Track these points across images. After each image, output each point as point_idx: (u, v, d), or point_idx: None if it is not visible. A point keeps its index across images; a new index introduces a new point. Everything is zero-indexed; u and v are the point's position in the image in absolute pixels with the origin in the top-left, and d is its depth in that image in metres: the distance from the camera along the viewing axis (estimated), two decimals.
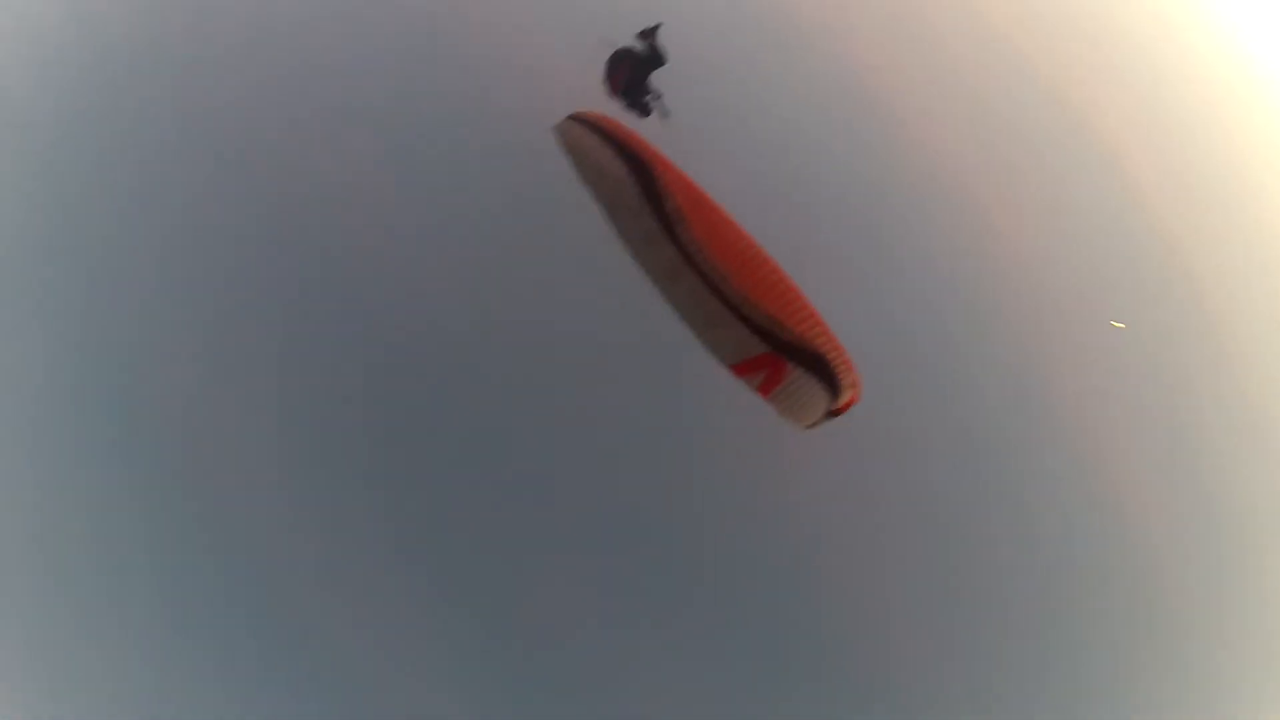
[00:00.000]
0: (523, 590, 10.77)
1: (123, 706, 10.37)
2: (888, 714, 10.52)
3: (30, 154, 11.33)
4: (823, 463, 10.01)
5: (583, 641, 10.62)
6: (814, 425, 5.68)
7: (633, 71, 6.55)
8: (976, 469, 11.14)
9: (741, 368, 5.54)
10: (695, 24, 10.65)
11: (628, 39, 6.54)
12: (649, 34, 6.48)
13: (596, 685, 10.42)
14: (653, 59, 6.58)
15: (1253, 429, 11.48)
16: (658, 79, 6.56)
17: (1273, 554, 11.12)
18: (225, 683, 10.54)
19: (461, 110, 11.98)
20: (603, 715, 10.40)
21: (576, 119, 5.97)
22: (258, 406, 11.19)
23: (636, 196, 5.47)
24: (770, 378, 5.37)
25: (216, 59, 11.92)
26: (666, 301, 5.56)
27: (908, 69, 12.56)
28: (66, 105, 11.46)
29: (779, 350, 5.34)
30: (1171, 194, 12.06)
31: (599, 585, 10.69)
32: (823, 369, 5.45)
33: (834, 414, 5.72)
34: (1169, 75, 12.53)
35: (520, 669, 10.67)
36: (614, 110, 6.26)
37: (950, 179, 12.17)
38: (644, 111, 6.81)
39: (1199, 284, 11.93)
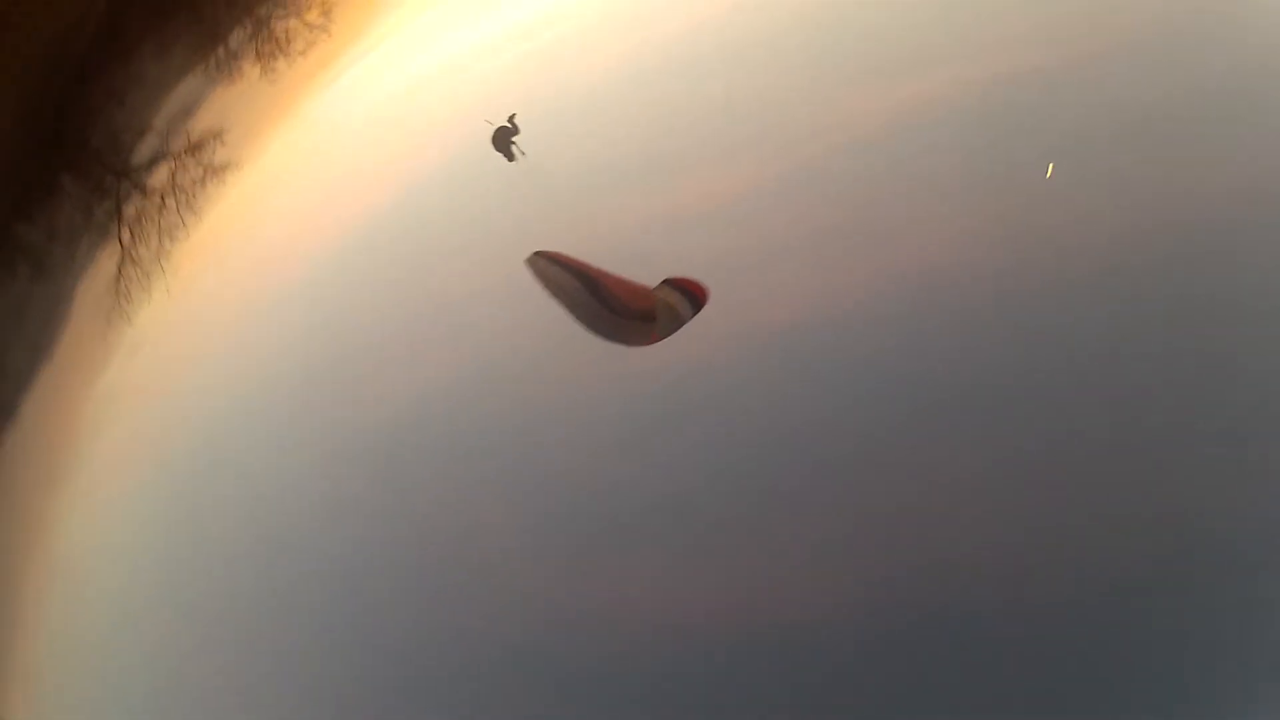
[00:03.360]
0: None
1: None
2: None
3: None
4: None
5: None
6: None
7: (504, 136, 11.80)
8: None
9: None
10: None
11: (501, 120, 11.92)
12: (510, 119, 11.80)
13: None
14: (512, 130, 11.85)
15: None
16: (517, 142, 11.90)
17: None
18: None
19: None
20: None
21: (540, 255, 9.37)
22: None
23: (584, 295, 9.10)
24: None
25: None
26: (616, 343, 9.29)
27: None
28: None
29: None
30: None
31: None
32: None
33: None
34: None
35: None
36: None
37: None
38: (510, 158, 11.95)
39: None
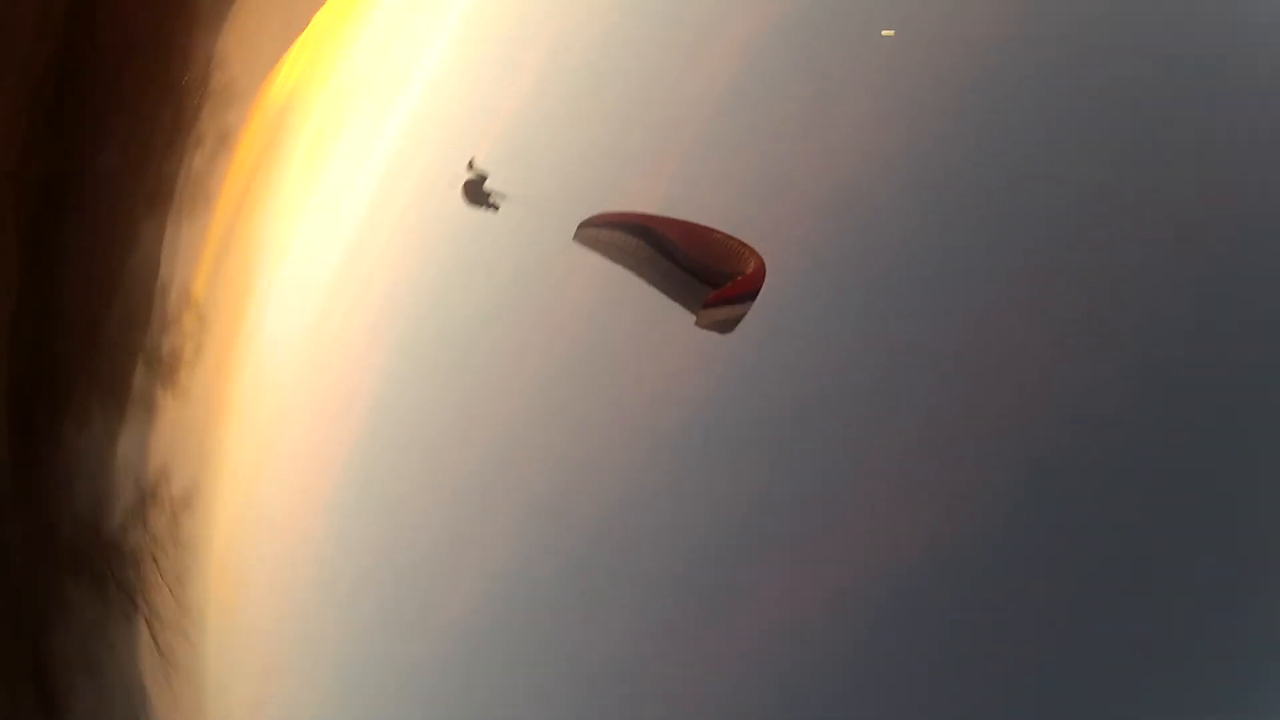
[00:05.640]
0: None
1: None
2: None
3: None
4: None
5: None
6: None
7: (475, 188, 10.91)
8: None
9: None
10: None
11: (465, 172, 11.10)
12: (470, 166, 10.87)
13: None
14: (482, 178, 10.93)
15: None
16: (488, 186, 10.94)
17: None
18: None
19: None
20: None
21: (586, 224, 8.63)
22: None
23: (645, 249, 8.10)
24: None
25: None
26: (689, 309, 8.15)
27: None
28: None
29: None
30: None
31: None
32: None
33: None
34: None
35: None
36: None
37: None
38: (491, 207, 10.86)
39: None
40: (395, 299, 13.82)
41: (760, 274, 7.65)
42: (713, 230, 8.00)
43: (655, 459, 12.14)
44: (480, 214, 11.92)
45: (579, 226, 8.70)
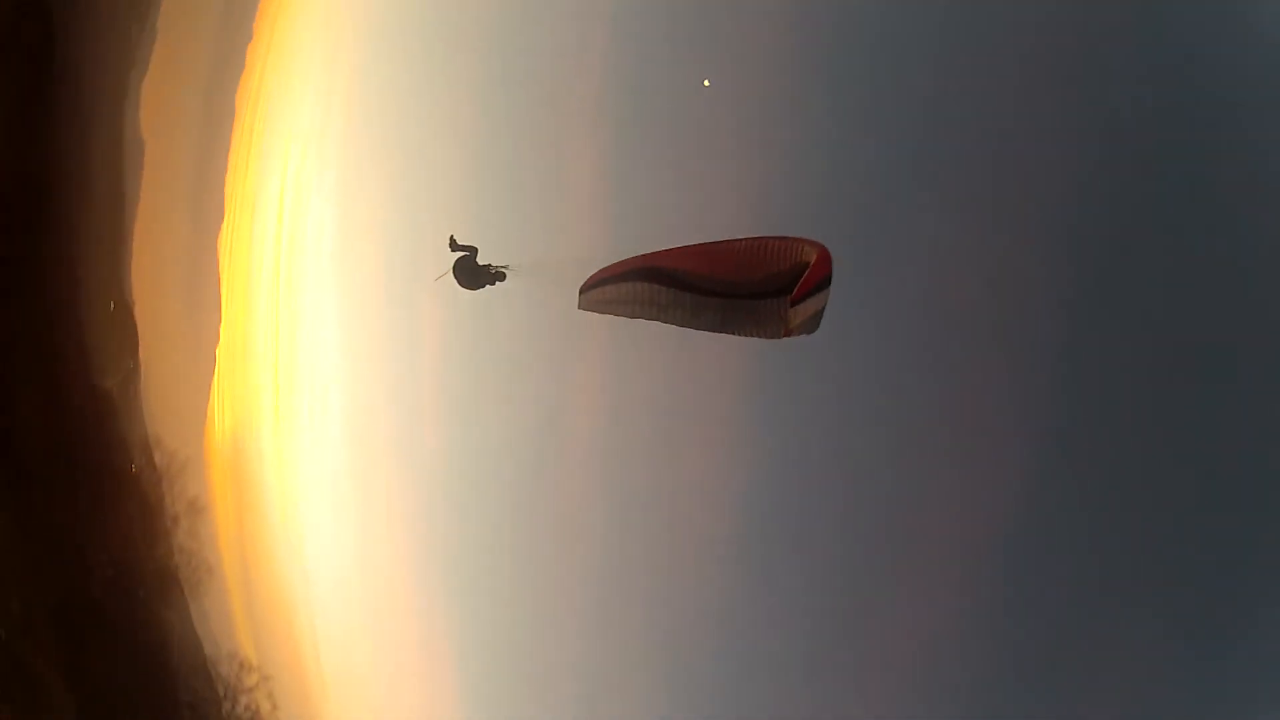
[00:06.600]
0: None
1: None
2: None
3: None
4: None
5: None
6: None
7: (467, 268, 9.31)
8: None
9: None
10: None
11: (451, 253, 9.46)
12: (453, 243, 9.33)
13: None
14: (471, 253, 9.35)
15: None
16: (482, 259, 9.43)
17: None
18: None
19: None
20: None
21: (584, 289, 7.56)
22: None
23: (663, 291, 6.99)
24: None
25: None
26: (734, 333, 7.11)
27: None
28: None
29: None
30: None
31: None
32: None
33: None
34: None
35: None
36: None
37: None
38: (494, 280, 9.49)
39: None
40: (428, 528, 13.39)
41: (826, 255, 6.68)
42: (734, 241, 7.01)
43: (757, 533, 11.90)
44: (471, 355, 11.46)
45: (580, 293, 7.72)
